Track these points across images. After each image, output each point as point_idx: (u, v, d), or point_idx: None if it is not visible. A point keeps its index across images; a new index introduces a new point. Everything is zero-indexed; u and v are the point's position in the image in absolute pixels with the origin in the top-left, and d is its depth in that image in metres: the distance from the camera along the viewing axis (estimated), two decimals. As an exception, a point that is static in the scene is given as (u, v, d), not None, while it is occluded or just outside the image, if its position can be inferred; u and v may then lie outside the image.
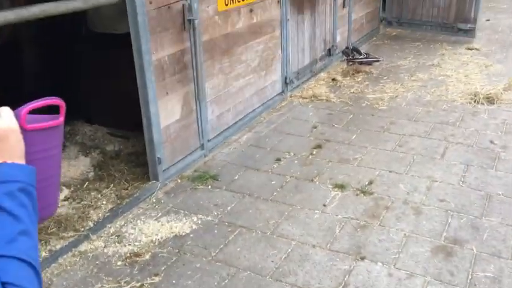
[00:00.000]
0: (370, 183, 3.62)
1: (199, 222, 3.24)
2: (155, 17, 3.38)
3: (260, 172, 3.85)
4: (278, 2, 4.85)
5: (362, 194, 3.48)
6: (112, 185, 3.66)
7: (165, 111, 3.64)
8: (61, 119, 1.02)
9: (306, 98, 5.31)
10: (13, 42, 3.80)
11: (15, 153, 0.93)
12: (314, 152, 4.14)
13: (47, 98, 1.01)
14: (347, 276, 2.70)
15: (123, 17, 3.30)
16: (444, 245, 2.93)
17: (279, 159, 4.03)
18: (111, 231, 3.15)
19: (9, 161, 0.92)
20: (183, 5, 3.59)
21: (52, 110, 1.04)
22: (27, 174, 0.93)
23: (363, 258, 2.83)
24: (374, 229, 3.10)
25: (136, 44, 3.30)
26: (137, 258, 2.88)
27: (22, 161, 0.95)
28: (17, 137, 0.94)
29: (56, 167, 1.07)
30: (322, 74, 5.99)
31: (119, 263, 2.86)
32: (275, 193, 3.55)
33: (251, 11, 4.47)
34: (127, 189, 3.62)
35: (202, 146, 4.11)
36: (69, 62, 4.41)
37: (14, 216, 0.87)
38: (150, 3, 3.32)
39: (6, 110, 0.95)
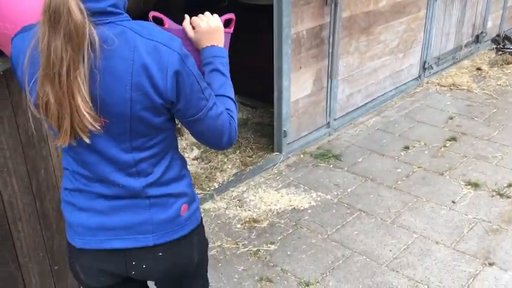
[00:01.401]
0: (510, 185, 3.29)
1: (318, 199, 3.23)
2: (299, -10, 3.37)
3: (385, 158, 3.71)
4: (427, -20, 4.53)
5: (498, 196, 3.18)
6: (238, 151, 3.80)
7: (296, 85, 3.65)
8: (232, 28, 1.45)
9: (445, 86, 4.95)
10: (166, 8, 4.08)
11: (221, 42, 1.39)
12: (447, 144, 3.86)
13: (226, 13, 1.43)
14: (471, 280, 2.51)
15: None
16: None
17: (407, 147, 3.84)
18: (234, 195, 3.29)
19: (220, 45, 1.38)
20: (327, -22, 3.52)
21: None
22: (227, 54, 1.40)
23: (491, 264, 2.61)
24: (508, 235, 2.83)
25: (278, 16, 3.32)
26: (255, 224, 2.98)
27: None
28: (222, 32, 1.39)
29: None
30: (466, 62, 5.53)
31: (238, 225, 2.99)
32: (400, 182, 3.40)
33: (397, -12, 4.24)
34: (251, 157, 3.73)
35: (328, 124, 4.07)
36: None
37: (225, 76, 1.37)
38: (296, -25, 3.31)
39: (216, 16, 1.40)
